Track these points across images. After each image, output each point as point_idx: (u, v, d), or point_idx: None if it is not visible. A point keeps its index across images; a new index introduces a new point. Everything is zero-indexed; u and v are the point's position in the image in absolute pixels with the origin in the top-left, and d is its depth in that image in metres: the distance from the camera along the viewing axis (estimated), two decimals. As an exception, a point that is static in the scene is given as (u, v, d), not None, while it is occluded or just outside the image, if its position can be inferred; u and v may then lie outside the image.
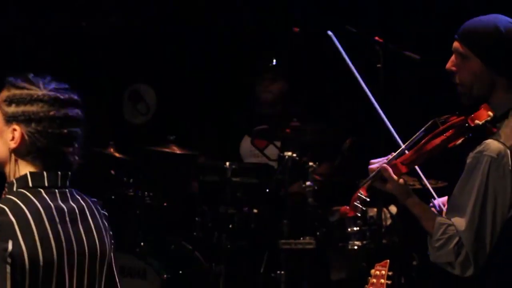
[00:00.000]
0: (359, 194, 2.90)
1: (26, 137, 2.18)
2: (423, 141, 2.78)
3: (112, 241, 2.34)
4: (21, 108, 2.18)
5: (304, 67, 6.26)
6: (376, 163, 2.87)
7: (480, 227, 2.65)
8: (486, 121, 2.70)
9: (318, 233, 5.04)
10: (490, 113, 2.70)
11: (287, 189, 5.06)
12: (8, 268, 2.04)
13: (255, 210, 5.21)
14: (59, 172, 2.21)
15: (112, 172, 5.50)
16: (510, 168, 2.63)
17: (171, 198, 5.50)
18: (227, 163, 5.21)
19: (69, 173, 2.24)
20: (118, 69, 6.76)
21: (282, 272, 4.94)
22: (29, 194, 2.15)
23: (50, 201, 2.16)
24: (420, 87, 5.54)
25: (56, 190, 2.20)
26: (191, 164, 5.69)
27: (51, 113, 2.18)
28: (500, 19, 2.73)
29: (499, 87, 2.73)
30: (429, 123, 2.80)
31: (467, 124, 2.72)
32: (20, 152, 2.20)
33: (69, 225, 2.17)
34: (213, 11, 6.63)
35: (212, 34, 6.66)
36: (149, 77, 6.92)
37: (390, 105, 4.37)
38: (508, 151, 2.64)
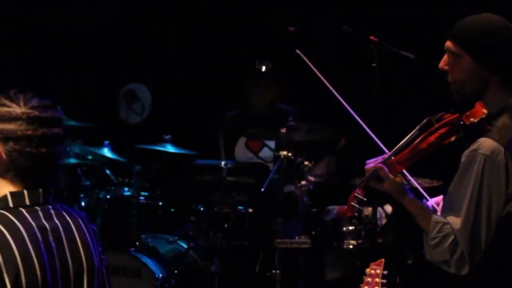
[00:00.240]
0: (356, 194, 2.90)
1: (4, 155, 2.14)
2: (418, 140, 2.79)
3: (103, 256, 2.30)
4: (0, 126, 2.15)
5: (299, 66, 6.26)
6: (372, 163, 2.87)
7: (475, 225, 2.66)
8: (481, 119, 2.70)
9: (313, 233, 5.04)
10: (485, 111, 2.71)
11: (283, 188, 5.06)
12: None
13: (250, 210, 5.22)
14: (40, 190, 2.17)
15: (107, 171, 5.50)
16: (504, 166, 2.64)
17: (167, 198, 5.49)
18: (222, 163, 5.21)
19: (52, 188, 2.20)
20: (113, 68, 6.76)
21: (278, 271, 4.95)
22: (9, 215, 2.10)
23: (32, 220, 2.12)
24: (415, 86, 5.56)
25: (38, 208, 2.15)
26: (187, 163, 5.70)
27: (29, 132, 2.13)
28: (492, 18, 2.74)
29: (492, 85, 2.75)
30: (424, 121, 2.81)
31: (462, 122, 2.72)
32: None
33: (52, 244, 2.13)
34: (210, 12, 6.63)
35: (208, 34, 6.66)
36: (144, 77, 6.92)
37: (386, 104, 4.39)
38: (502, 149, 2.64)
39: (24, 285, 2.05)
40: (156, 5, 6.75)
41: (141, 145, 5.52)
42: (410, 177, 3.14)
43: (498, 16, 2.75)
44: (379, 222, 4.96)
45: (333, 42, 4.57)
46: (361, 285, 2.81)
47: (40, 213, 2.15)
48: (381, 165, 2.82)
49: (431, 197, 3.08)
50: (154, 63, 6.78)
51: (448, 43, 2.77)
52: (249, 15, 6.59)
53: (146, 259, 5.07)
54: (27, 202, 2.15)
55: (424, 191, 3.25)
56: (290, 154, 5.02)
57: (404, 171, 2.99)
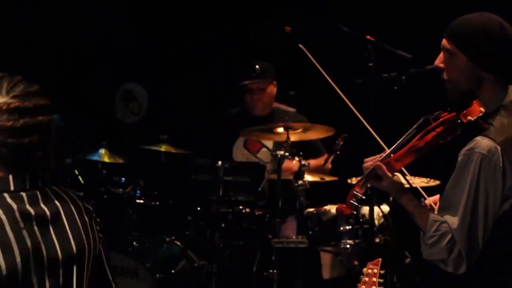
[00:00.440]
0: (354, 192, 2.91)
1: None
2: (415, 138, 2.80)
3: (100, 235, 2.25)
4: None
5: (296, 65, 6.26)
6: (370, 161, 2.88)
7: (472, 224, 2.66)
8: (478, 117, 2.71)
9: (310, 232, 5.04)
10: (482, 109, 2.72)
11: (280, 188, 5.06)
12: None
13: (247, 209, 5.21)
14: (27, 175, 2.13)
15: (104, 171, 5.50)
16: (501, 164, 2.64)
17: (164, 197, 5.49)
18: (219, 162, 5.21)
19: (40, 173, 2.15)
20: (110, 68, 6.76)
21: (275, 271, 4.95)
22: None
23: (15, 206, 2.07)
24: (412, 85, 5.55)
25: (24, 194, 2.10)
26: (184, 163, 5.69)
27: (9, 123, 2.09)
28: (487, 17, 2.76)
29: (487, 83, 2.76)
30: (421, 120, 2.82)
31: (459, 120, 2.73)
32: None
33: (36, 228, 2.08)
34: (207, 11, 6.63)
35: (205, 34, 6.66)
36: (141, 77, 6.92)
37: (383, 104, 4.39)
38: (499, 148, 2.65)
39: (3, 272, 2.00)
40: (153, 4, 6.75)
41: (138, 145, 5.51)
42: (408, 176, 3.14)
43: (493, 15, 2.76)
44: (376, 222, 4.96)
45: (330, 41, 4.58)
46: (359, 284, 2.81)
47: (25, 199, 2.10)
48: (379, 163, 2.83)
49: (429, 196, 3.09)
50: (150, 63, 6.78)
51: (444, 42, 2.79)
52: (247, 15, 6.59)
53: (143, 259, 5.07)
54: (12, 187, 2.10)
55: (422, 190, 3.25)
56: (287, 153, 5.01)
57: (404, 169, 2.99)
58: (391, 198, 4.75)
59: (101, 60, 6.71)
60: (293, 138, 5.11)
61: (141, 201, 5.37)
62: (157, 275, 5.02)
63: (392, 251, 4.99)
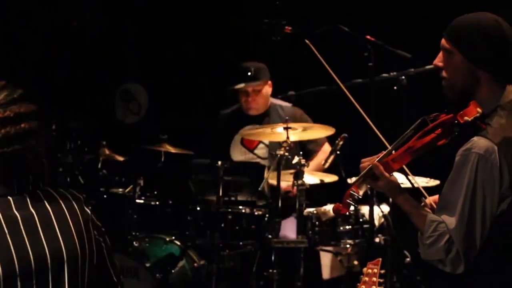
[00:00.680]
0: (351, 192, 2.91)
1: None
2: (413, 139, 2.80)
3: (101, 239, 2.25)
4: None
5: (293, 64, 6.27)
6: (367, 161, 2.89)
7: (470, 224, 2.67)
8: (475, 118, 2.72)
9: (310, 232, 5.04)
10: (479, 110, 2.73)
11: (280, 187, 5.06)
12: None
13: (247, 209, 5.21)
14: (15, 180, 2.12)
15: (104, 171, 5.50)
16: (498, 164, 2.64)
17: (164, 197, 5.49)
18: (219, 162, 5.21)
19: (30, 177, 2.14)
20: (109, 68, 6.75)
21: (275, 271, 4.95)
22: None
23: (0, 211, 2.06)
24: (411, 86, 5.55)
25: (11, 198, 2.10)
26: (183, 163, 5.69)
27: None
28: (484, 16, 2.78)
29: (483, 82, 2.76)
30: (418, 121, 2.83)
31: (456, 121, 2.74)
32: None
33: (23, 233, 2.07)
34: (206, 11, 6.63)
35: (204, 34, 6.66)
36: (140, 77, 6.92)
37: (381, 103, 4.39)
38: (496, 148, 2.65)
39: None
40: (153, 4, 6.75)
41: (137, 145, 5.51)
42: (410, 176, 3.15)
43: (491, 14, 2.77)
44: (376, 222, 4.96)
45: (329, 41, 4.58)
46: (358, 284, 2.81)
47: (12, 203, 2.09)
48: (376, 163, 2.84)
49: (429, 196, 3.09)
50: (150, 62, 6.77)
51: (443, 41, 2.81)
52: (246, 15, 6.59)
53: (143, 259, 5.07)
54: None
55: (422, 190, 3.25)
56: (287, 153, 5.01)
57: (406, 169, 3.00)
58: (390, 198, 4.75)
59: (101, 60, 6.71)
60: (292, 138, 5.11)
61: (141, 201, 5.37)
62: (157, 275, 5.02)
63: (392, 251, 4.99)
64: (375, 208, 4.84)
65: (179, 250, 5.27)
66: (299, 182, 5.00)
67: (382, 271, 2.83)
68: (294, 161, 5.04)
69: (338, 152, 5.03)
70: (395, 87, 4.62)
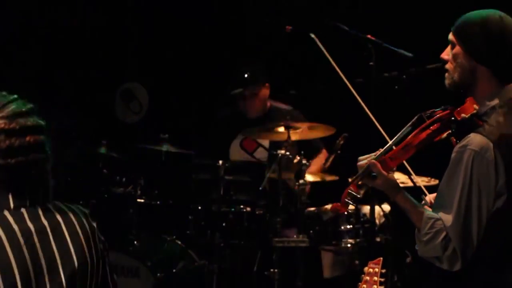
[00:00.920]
0: (349, 191, 2.92)
1: None
2: (410, 136, 2.81)
3: (105, 253, 2.27)
4: None
5: (294, 64, 6.27)
6: (365, 160, 2.89)
7: (466, 221, 2.67)
8: (472, 114, 2.73)
9: (311, 231, 5.04)
10: (476, 106, 2.75)
11: (280, 187, 5.06)
12: None
13: (248, 208, 5.21)
14: (27, 192, 2.14)
15: (105, 171, 5.50)
16: (493, 162, 2.65)
17: (164, 197, 5.49)
18: (220, 162, 5.21)
19: (40, 188, 2.17)
20: (110, 68, 6.75)
21: (276, 270, 4.95)
22: None
23: (15, 223, 2.09)
24: (411, 84, 5.55)
25: (24, 210, 2.12)
26: (184, 162, 5.69)
27: None
28: (490, 13, 2.79)
29: (482, 78, 2.77)
30: (415, 117, 2.83)
31: (453, 118, 2.75)
32: None
33: (37, 245, 2.10)
34: (206, 11, 6.63)
35: (205, 34, 6.66)
36: (141, 76, 6.91)
37: (382, 102, 4.39)
38: (491, 145, 2.66)
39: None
40: (153, 4, 6.75)
41: (138, 145, 5.51)
42: (413, 175, 3.15)
43: (497, 11, 2.78)
44: (377, 221, 4.96)
45: (330, 40, 4.57)
46: (360, 283, 2.81)
47: (26, 215, 2.12)
48: (373, 161, 2.84)
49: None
50: (151, 62, 6.77)
51: (450, 35, 2.84)
52: (247, 15, 6.58)
53: (144, 258, 5.07)
54: (11, 205, 2.12)
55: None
56: (288, 153, 5.01)
57: (409, 168, 3.00)
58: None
59: (101, 60, 6.71)
60: (293, 137, 5.11)
61: (142, 201, 5.37)
62: (158, 274, 5.02)
63: (393, 250, 4.99)
64: (376, 207, 4.83)
65: (180, 250, 5.27)
66: (300, 181, 5.00)
67: (383, 271, 2.83)
68: (295, 161, 5.04)
69: (339, 152, 5.03)
70: (396, 87, 4.61)
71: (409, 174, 3.06)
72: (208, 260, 5.18)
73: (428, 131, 2.78)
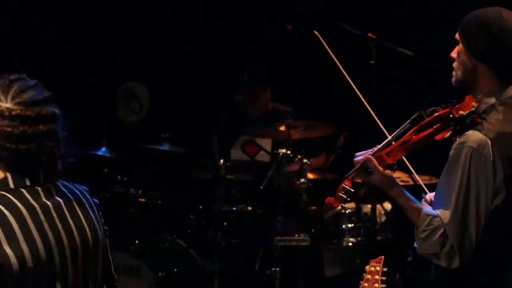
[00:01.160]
0: (344, 185, 2.92)
1: None
2: (408, 133, 2.81)
3: (106, 227, 2.35)
4: None
5: (295, 63, 6.27)
6: (361, 155, 2.89)
7: (464, 218, 2.67)
8: (470, 112, 2.73)
9: (312, 230, 5.04)
10: (475, 104, 2.75)
11: (281, 187, 5.06)
12: None
13: (249, 208, 5.21)
14: (40, 170, 2.19)
15: (106, 170, 5.50)
16: (491, 158, 2.65)
17: (165, 196, 5.49)
18: (221, 161, 5.21)
19: (52, 168, 2.22)
20: (111, 67, 6.75)
21: (277, 269, 4.95)
22: (10, 196, 2.11)
23: (34, 200, 2.14)
24: (412, 83, 5.56)
25: (39, 188, 2.18)
26: (185, 162, 5.70)
27: (9, 129, 2.13)
28: (492, 10, 2.79)
29: (482, 76, 2.77)
30: (415, 115, 2.83)
31: (451, 115, 2.75)
32: None
33: (57, 221, 2.16)
34: (207, 10, 6.63)
35: (205, 33, 6.66)
36: (142, 76, 6.91)
37: (382, 101, 4.39)
38: (489, 142, 2.66)
39: (31, 265, 2.06)
40: (154, 4, 6.75)
41: (139, 144, 5.51)
42: (412, 170, 3.15)
43: (502, 9, 2.78)
44: (378, 219, 4.96)
45: (331, 39, 4.57)
46: (361, 282, 2.81)
47: (41, 193, 2.17)
48: (369, 156, 2.84)
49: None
50: (151, 62, 6.77)
51: (457, 32, 2.84)
52: (247, 14, 6.58)
53: (145, 258, 5.07)
54: (27, 183, 2.16)
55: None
56: (289, 152, 5.01)
57: (411, 168, 3.00)
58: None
59: (102, 59, 6.71)
60: (294, 136, 5.11)
61: (143, 200, 5.37)
62: (159, 273, 5.02)
63: (394, 249, 4.99)
64: (377, 206, 4.84)
65: (181, 249, 5.27)
66: (302, 180, 5.01)
67: (385, 269, 2.83)
68: (296, 160, 5.05)
69: (339, 151, 5.03)
70: (397, 85, 4.62)
71: (410, 173, 3.06)
72: (209, 259, 5.18)
73: (427, 130, 2.78)
